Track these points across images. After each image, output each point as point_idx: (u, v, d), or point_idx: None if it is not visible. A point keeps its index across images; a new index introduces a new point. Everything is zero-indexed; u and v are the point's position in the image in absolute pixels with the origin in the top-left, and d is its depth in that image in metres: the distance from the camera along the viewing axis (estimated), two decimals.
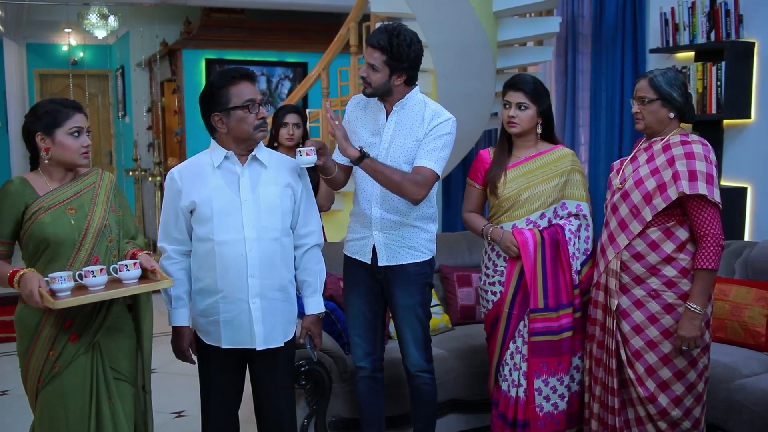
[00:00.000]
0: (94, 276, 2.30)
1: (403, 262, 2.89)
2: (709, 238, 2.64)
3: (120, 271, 2.36)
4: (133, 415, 2.51)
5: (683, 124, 2.85)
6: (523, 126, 2.97)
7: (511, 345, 3.02)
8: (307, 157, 2.60)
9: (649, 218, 2.71)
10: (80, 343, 2.39)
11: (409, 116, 2.86)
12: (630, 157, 2.91)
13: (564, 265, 2.97)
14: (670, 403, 2.75)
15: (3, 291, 2.40)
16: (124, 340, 2.50)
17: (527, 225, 3.00)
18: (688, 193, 2.63)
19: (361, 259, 2.94)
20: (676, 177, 2.66)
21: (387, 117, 2.87)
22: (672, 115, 2.76)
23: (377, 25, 5.35)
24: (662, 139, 2.78)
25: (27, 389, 2.45)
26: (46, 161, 2.41)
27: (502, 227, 3.02)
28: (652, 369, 2.75)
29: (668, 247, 2.72)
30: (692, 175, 2.64)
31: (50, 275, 2.26)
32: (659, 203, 2.69)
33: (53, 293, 2.25)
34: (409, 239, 2.89)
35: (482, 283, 3.14)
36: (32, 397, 2.45)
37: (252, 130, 2.51)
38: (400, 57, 2.73)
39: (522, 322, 3.00)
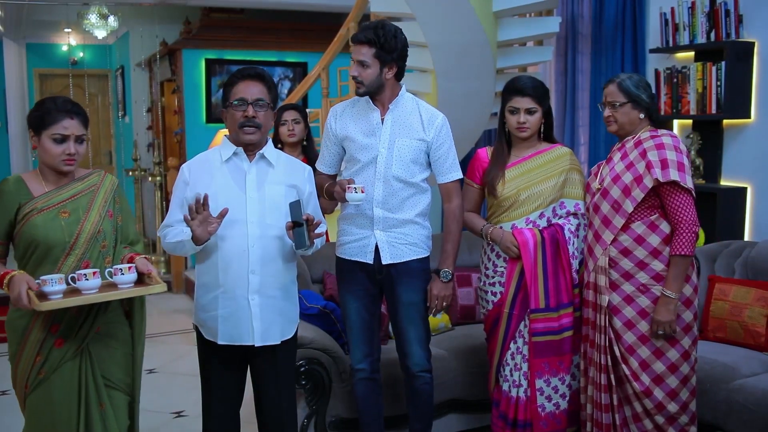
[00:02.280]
0: (87, 279, 2.26)
1: (407, 259, 2.91)
2: (683, 225, 2.72)
3: (115, 275, 2.33)
4: (126, 423, 2.49)
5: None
6: (533, 130, 3.00)
7: (511, 345, 3.02)
8: (361, 194, 2.77)
9: (630, 210, 2.78)
10: (66, 348, 2.36)
11: (405, 114, 2.89)
12: (606, 160, 2.99)
13: (564, 265, 2.97)
14: (665, 397, 2.78)
15: (1, 292, 2.37)
16: (118, 347, 2.47)
17: (526, 225, 3.00)
18: (661, 180, 2.71)
19: (361, 260, 2.93)
20: (649, 166, 2.75)
21: (382, 117, 2.89)
22: (642, 115, 2.87)
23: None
24: (633, 137, 2.88)
25: (17, 394, 2.43)
26: (33, 159, 2.40)
27: (501, 227, 3.02)
28: (646, 363, 2.79)
29: (654, 241, 2.78)
30: (664, 164, 2.73)
31: (41, 277, 2.23)
32: (638, 194, 2.77)
33: (44, 295, 2.22)
34: (410, 236, 2.92)
35: (482, 283, 3.14)
36: (21, 402, 2.43)
37: (237, 127, 2.55)
38: (388, 48, 2.78)
39: (522, 323, 3.00)
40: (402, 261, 2.91)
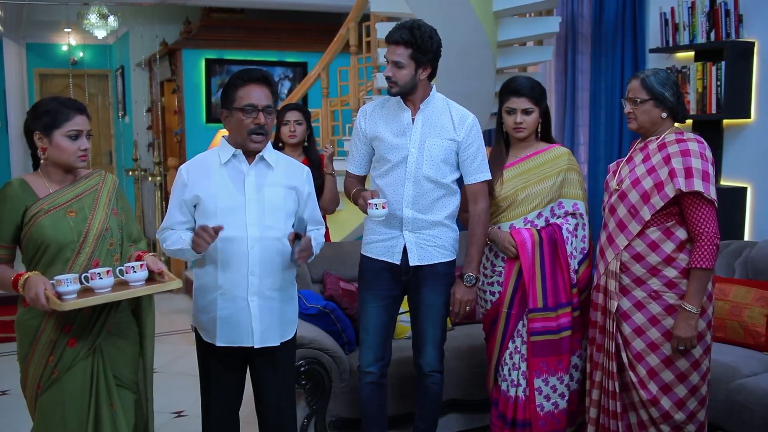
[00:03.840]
0: (101, 278, 2.26)
1: (434, 262, 2.90)
2: (704, 237, 2.62)
3: (126, 273, 2.34)
4: (133, 421, 2.49)
5: (678, 124, 2.84)
6: (530, 130, 3.00)
7: (510, 345, 3.02)
8: (382, 210, 2.73)
9: (647, 217, 2.70)
10: (79, 347, 2.36)
11: (436, 114, 2.87)
12: (626, 158, 2.90)
13: (562, 265, 2.97)
14: (673, 406, 2.72)
15: (3, 292, 2.37)
16: (127, 346, 2.48)
17: (525, 225, 3.00)
18: (684, 190, 2.61)
19: (388, 260, 2.90)
20: (672, 174, 2.64)
21: (413, 117, 2.86)
22: (664, 115, 2.76)
23: (377, 24, 5.36)
24: (657, 139, 2.78)
25: (26, 395, 2.42)
26: (42, 161, 2.39)
27: (499, 227, 3.02)
28: (654, 371, 2.73)
29: (668, 247, 2.70)
30: (688, 172, 2.62)
31: (56, 278, 2.23)
32: (657, 202, 2.67)
33: (59, 296, 2.22)
34: (440, 238, 2.90)
35: (480, 283, 3.13)
36: (31, 404, 2.42)
37: (245, 134, 2.52)
38: (424, 49, 2.76)
39: (521, 322, 3.00)
40: (429, 263, 2.89)
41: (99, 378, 2.39)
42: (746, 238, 4.14)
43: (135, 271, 2.34)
